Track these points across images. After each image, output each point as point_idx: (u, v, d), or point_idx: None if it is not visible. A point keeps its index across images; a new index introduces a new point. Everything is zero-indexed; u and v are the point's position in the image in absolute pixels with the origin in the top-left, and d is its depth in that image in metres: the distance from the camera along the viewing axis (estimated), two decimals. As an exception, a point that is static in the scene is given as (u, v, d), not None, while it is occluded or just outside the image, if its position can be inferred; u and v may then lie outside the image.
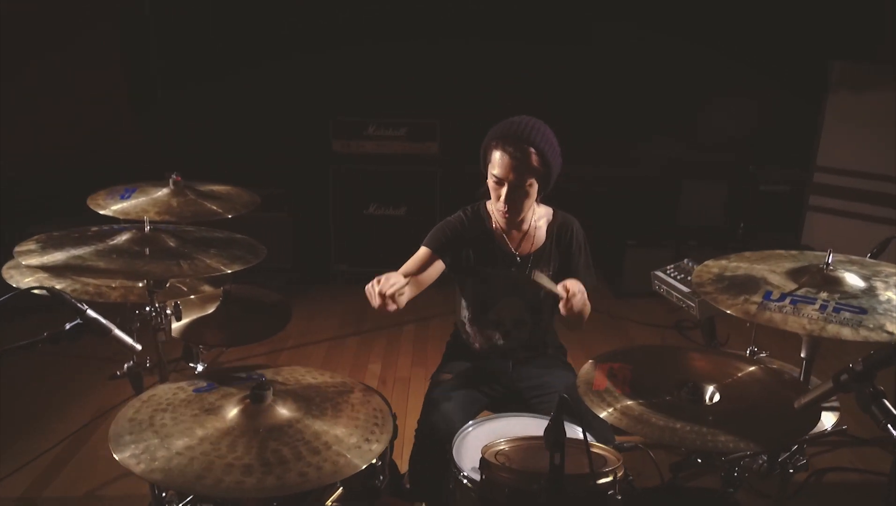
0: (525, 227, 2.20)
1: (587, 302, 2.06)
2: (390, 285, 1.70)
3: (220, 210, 2.30)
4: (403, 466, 2.18)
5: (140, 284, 1.74)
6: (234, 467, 1.29)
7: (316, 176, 4.66)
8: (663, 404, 1.41)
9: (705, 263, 1.61)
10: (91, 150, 4.36)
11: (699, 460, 1.50)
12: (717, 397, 1.44)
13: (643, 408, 1.40)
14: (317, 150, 4.63)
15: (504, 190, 2.04)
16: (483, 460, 1.54)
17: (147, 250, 1.54)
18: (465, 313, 2.29)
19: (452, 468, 1.75)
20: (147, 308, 1.63)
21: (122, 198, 2.30)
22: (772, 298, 1.37)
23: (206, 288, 2.01)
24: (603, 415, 1.38)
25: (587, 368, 1.57)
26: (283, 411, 1.48)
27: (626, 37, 4.64)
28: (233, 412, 1.46)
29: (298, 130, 4.79)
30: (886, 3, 4.13)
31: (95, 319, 1.29)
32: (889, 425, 1.05)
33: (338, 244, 4.75)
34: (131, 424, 1.41)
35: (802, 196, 4.57)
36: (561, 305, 1.92)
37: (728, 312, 1.38)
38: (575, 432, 1.82)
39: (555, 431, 1.35)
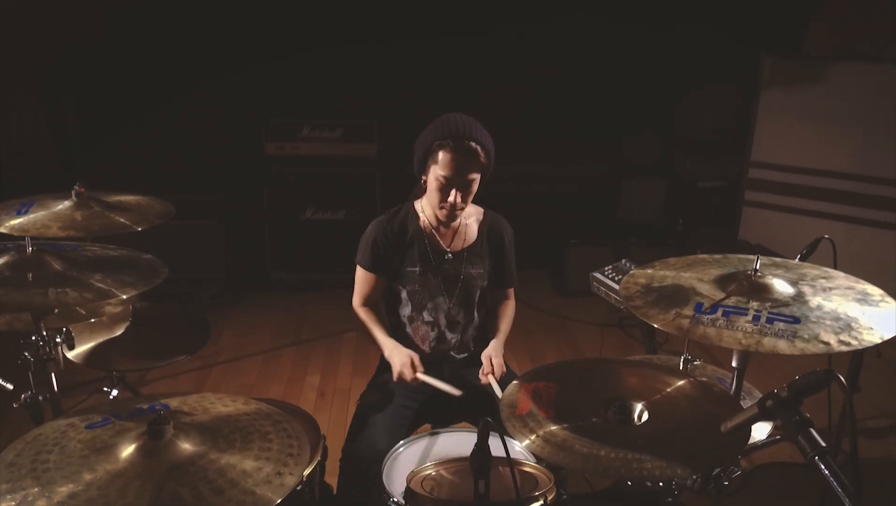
0: (456, 224, 2.18)
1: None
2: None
3: (129, 222, 2.13)
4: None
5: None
6: (121, 517, 1.15)
7: (249, 181, 4.48)
8: (589, 428, 1.33)
9: (631, 273, 1.55)
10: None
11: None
12: (645, 416, 1.36)
13: (567, 433, 1.31)
14: (250, 153, 4.46)
15: (454, 190, 2.01)
16: (408, 490, 1.45)
17: (30, 276, 1.37)
18: (404, 312, 2.21)
19: (382, 494, 1.65)
20: (33, 337, 1.47)
21: (19, 213, 2.11)
22: (703, 309, 1.31)
23: (110, 309, 1.84)
24: (525, 443, 1.29)
25: (511, 389, 1.48)
26: (186, 446, 1.35)
27: (561, 32, 4.60)
28: (128, 451, 1.32)
29: (230, 134, 4.59)
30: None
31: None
32: (816, 458, 0.96)
33: (274, 251, 4.59)
34: (10, 470, 1.26)
35: (738, 192, 4.62)
36: (480, 373, 2.07)
37: (661, 328, 1.31)
38: (512, 446, 1.76)
39: (479, 457, 1.27)
